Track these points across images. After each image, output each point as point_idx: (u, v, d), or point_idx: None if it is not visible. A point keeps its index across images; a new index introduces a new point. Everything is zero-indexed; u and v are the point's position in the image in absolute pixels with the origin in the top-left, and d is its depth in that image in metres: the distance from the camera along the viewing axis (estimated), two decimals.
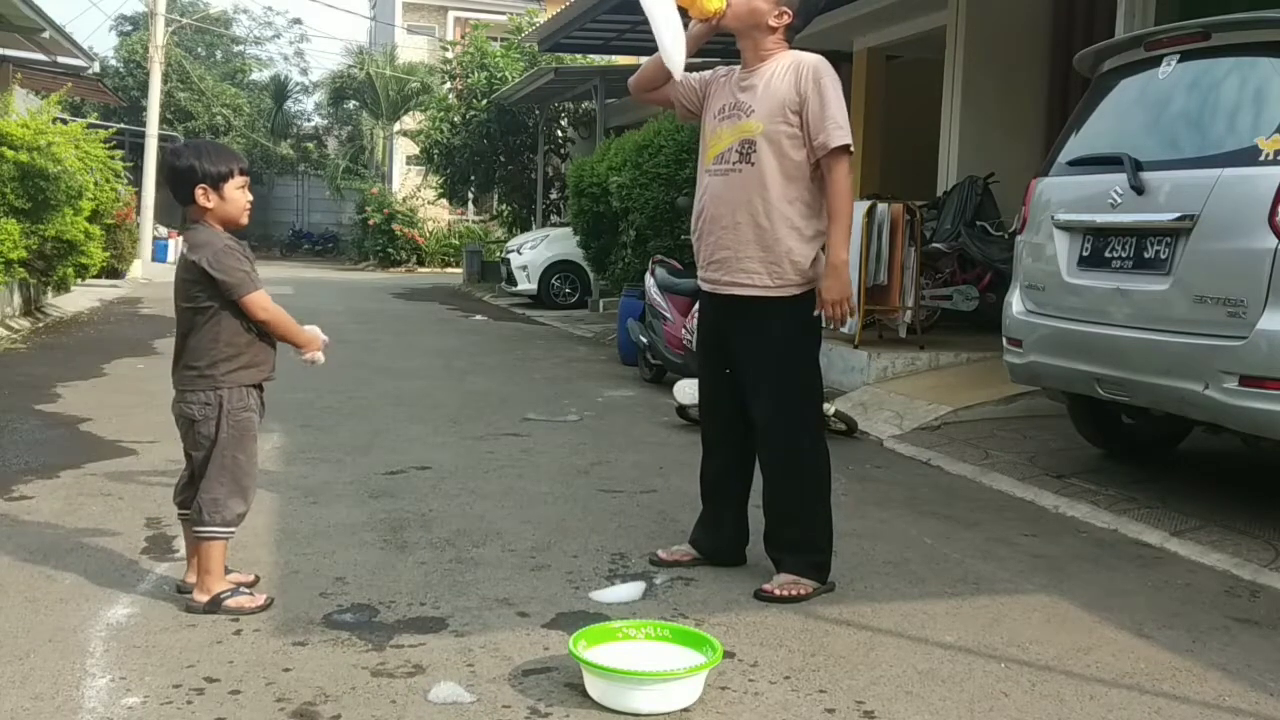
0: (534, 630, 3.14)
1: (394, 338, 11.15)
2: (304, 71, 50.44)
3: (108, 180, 11.87)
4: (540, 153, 20.55)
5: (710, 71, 3.72)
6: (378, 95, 29.57)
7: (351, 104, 32.42)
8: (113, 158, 12.18)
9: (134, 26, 32.45)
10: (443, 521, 4.25)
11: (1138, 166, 4.46)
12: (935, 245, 8.55)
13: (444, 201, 25.36)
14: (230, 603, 3.18)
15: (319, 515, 4.29)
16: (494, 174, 21.88)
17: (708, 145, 3.63)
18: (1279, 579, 3.78)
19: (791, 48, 3.58)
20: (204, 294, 3.19)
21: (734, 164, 3.50)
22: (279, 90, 34.88)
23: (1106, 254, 4.62)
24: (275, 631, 3.07)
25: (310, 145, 34.99)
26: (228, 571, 3.31)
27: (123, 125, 19.44)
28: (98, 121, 14.74)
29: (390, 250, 26.06)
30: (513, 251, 16.56)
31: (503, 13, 27.57)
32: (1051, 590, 3.65)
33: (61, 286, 11.81)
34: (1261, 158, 4.01)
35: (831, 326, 3.51)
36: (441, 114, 21.96)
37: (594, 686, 2.69)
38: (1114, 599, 3.58)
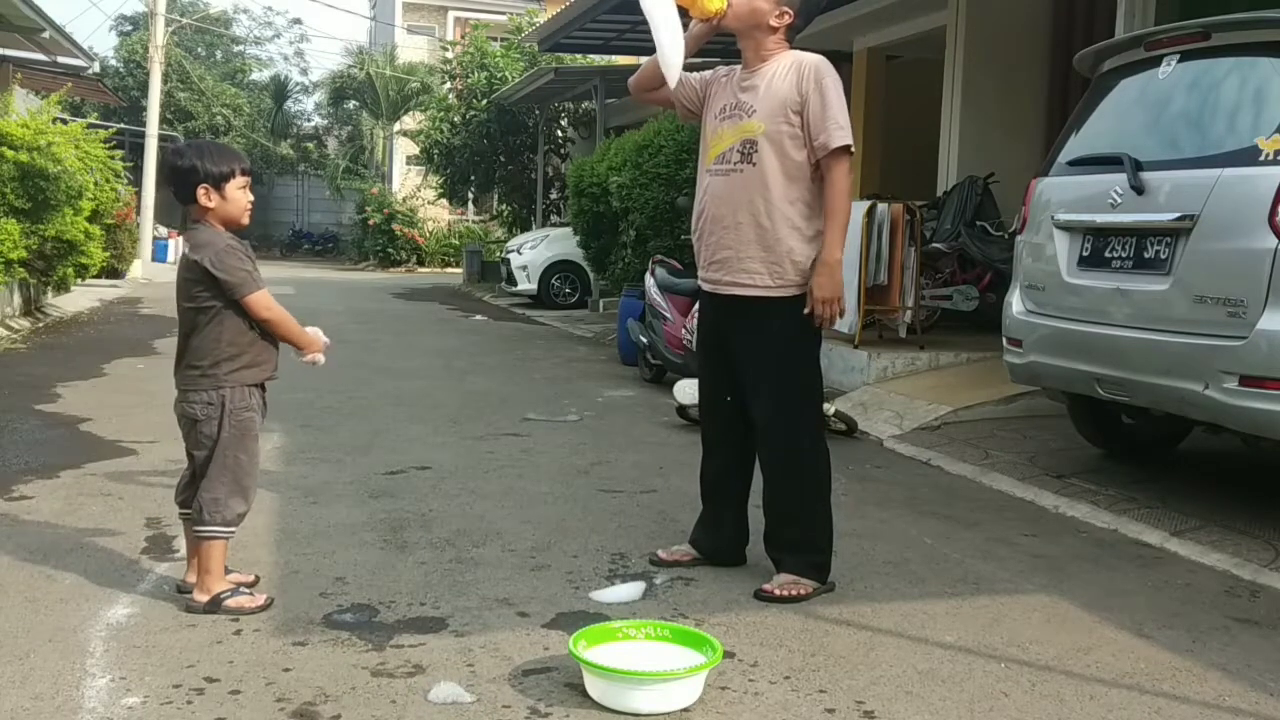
0: (534, 630, 3.14)
1: (394, 338, 11.15)
2: (304, 71, 50.52)
3: (108, 180, 11.87)
4: (540, 153, 20.55)
5: (711, 71, 3.72)
6: (378, 95, 29.58)
7: (351, 104, 32.43)
8: (113, 158, 12.19)
9: (134, 26, 32.46)
10: (443, 521, 4.25)
11: (1138, 166, 4.46)
12: (935, 245, 8.55)
13: (444, 201, 25.36)
14: (230, 603, 3.18)
15: (319, 515, 4.29)
16: (494, 174, 21.88)
17: (709, 145, 3.63)
18: (1279, 579, 3.78)
19: (792, 48, 3.58)
20: (206, 294, 3.19)
21: (735, 164, 3.50)
22: (279, 90, 34.89)
23: (1106, 254, 4.62)
24: (275, 631, 3.07)
25: (310, 145, 34.99)
26: (228, 571, 3.31)
27: (123, 125, 19.44)
28: (98, 121, 14.74)
29: (390, 250, 26.07)
30: (513, 251, 16.56)
31: (503, 13, 27.58)
32: (1051, 590, 3.65)
33: (61, 286, 11.81)
34: (1261, 158, 4.01)
35: (819, 325, 3.48)
36: (441, 114, 21.97)
37: (594, 686, 2.69)
38: (1114, 599, 3.58)
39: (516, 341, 11.42)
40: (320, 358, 3.41)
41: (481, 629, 3.13)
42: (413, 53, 31.05)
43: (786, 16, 3.51)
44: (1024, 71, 9.74)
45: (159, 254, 21.34)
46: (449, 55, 24.24)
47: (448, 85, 24.14)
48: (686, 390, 6.18)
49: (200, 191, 3.20)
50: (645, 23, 3.44)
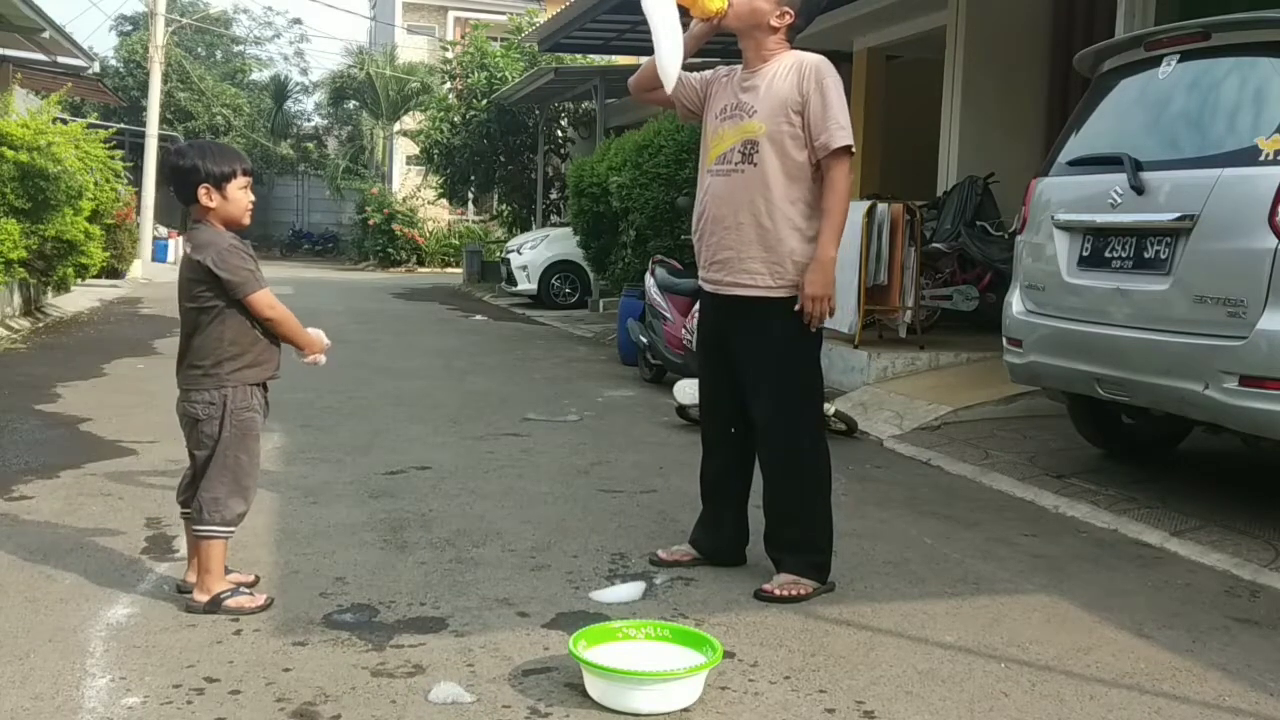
0: (534, 630, 3.14)
1: (394, 338, 11.15)
2: (304, 71, 50.54)
3: (108, 180, 11.87)
4: (540, 153, 20.55)
5: (711, 71, 3.72)
6: (378, 95, 29.58)
7: (351, 104, 32.43)
8: (113, 158, 12.18)
9: (134, 26, 32.46)
10: (443, 521, 4.25)
11: (1138, 166, 4.46)
12: (935, 245, 8.55)
13: (444, 201, 25.37)
14: (230, 603, 3.18)
15: (319, 515, 4.29)
16: (494, 174, 21.89)
17: (709, 145, 3.63)
18: (1279, 579, 3.78)
19: (792, 48, 3.58)
20: (209, 293, 3.19)
21: (736, 164, 3.50)
22: (279, 90, 34.89)
23: (1106, 254, 4.62)
24: (275, 631, 3.07)
25: (310, 145, 35.00)
26: (228, 571, 3.31)
27: (123, 125, 19.44)
28: (98, 121, 14.74)
29: (390, 250, 26.07)
30: (513, 251, 16.56)
31: (503, 13, 27.58)
32: (1051, 590, 3.65)
33: (61, 286, 11.81)
34: (1261, 158, 4.01)
35: (808, 322, 3.46)
36: (441, 114, 21.97)
37: (594, 686, 2.69)
38: (1114, 599, 3.58)
39: (516, 341, 11.42)
40: (322, 358, 3.42)
41: (481, 629, 3.13)
42: (413, 53, 31.05)
43: (787, 16, 3.51)
44: (1024, 71, 9.74)
45: (159, 254, 21.34)
46: (449, 55, 24.24)
47: (448, 85, 24.14)
48: (686, 390, 6.18)
49: (201, 191, 3.20)
50: (645, 22, 3.43)
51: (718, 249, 3.57)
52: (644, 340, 8.14)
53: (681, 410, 6.36)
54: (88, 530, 3.97)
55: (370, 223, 26.25)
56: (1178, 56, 4.56)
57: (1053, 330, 4.86)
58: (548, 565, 3.74)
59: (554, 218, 20.33)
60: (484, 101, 20.75)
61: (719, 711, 2.66)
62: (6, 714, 2.53)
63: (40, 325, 10.79)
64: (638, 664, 2.74)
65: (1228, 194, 4.09)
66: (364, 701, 2.65)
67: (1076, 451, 5.57)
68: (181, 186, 3.24)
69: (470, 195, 24.83)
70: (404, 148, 29.28)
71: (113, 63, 31.67)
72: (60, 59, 13.70)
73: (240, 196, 3.26)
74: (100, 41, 57.35)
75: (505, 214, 23.18)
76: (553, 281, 15.79)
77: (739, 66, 3.64)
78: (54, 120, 10.81)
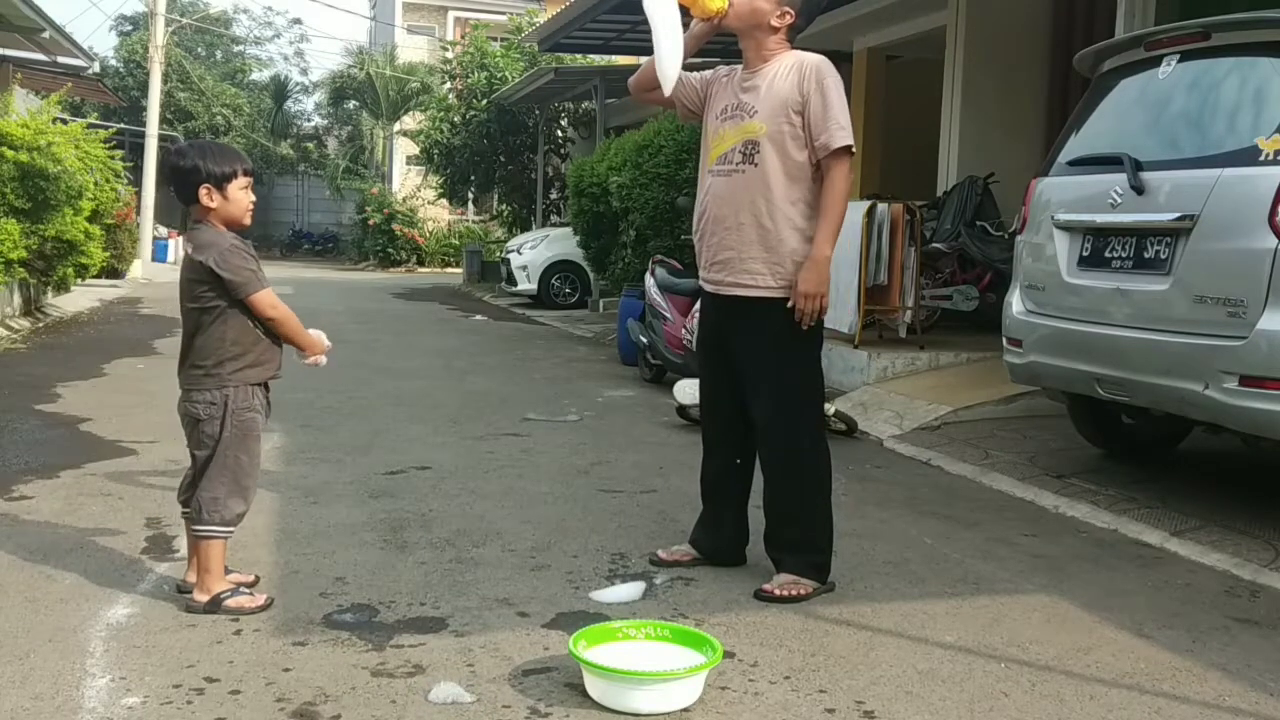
0: (534, 630, 3.14)
1: (394, 338, 11.15)
2: (304, 71, 50.57)
3: (108, 180, 11.87)
4: (540, 153, 20.56)
5: (711, 71, 3.72)
6: (378, 95, 29.58)
7: (351, 104, 32.43)
8: (113, 158, 12.19)
9: (134, 26, 32.46)
10: (443, 521, 4.25)
11: (1138, 166, 4.46)
12: (935, 245, 8.55)
13: (444, 201, 25.37)
14: (230, 603, 3.18)
15: (319, 515, 4.29)
16: (494, 174, 21.89)
17: (710, 146, 3.63)
18: (1279, 579, 3.78)
19: (793, 48, 3.58)
20: (211, 294, 3.20)
21: (737, 165, 3.50)
22: (279, 90, 34.89)
23: (1106, 254, 4.62)
24: (275, 631, 3.07)
25: (310, 145, 35.00)
26: (228, 571, 3.31)
27: (123, 125, 19.45)
28: (98, 121, 14.75)
29: (390, 250, 26.07)
30: (513, 251, 16.56)
31: (503, 13, 27.58)
32: (1051, 590, 3.65)
33: (61, 286, 11.81)
34: (1261, 158, 4.01)
35: (799, 319, 3.45)
36: (441, 114, 21.97)
37: (594, 686, 2.69)
38: (1114, 599, 3.58)
39: (516, 341, 11.42)
40: (323, 359, 3.43)
41: (481, 629, 3.13)
42: (413, 53, 31.05)
43: (788, 16, 3.51)
44: (1024, 71, 9.74)
45: (159, 254, 21.35)
46: (449, 55, 24.25)
47: (448, 85, 24.14)
48: (686, 390, 6.18)
49: (202, 192, 3.20)
50: (645, 22, 3.43)
51: (719, 249, 3.57)
52: (644, 340, 8.14)
53: (681, 410, 6.36)
54: (88, 530, 3.98)
55: (370, 223, 26.26)
56: (1178, 56, 4.56)
57: (1053, 330, 4.86)
58: (548, 565, 3.74)
59: (554, 218, 20.33)
60: (484, 101, 20.75)
61: (719, 711, 2.66)
62: (6, 714, 2.53)
63: (40, 325, 10.79)
64: (638, 664, 2.74)
65: (1228, 194, 4.09)
66: (364, 701, 2.65)
67: (1076, 451, 5.58)
68: (182, 187, 3.24)
69: (470, 195, 24.84)
70: (404, 148, 29.28)
71: (113, 63, 31.67)
72: (60, 59, 13.70)
73: (241, 197, 3.26)
74: (100, 41, 57.47)
75: (505, 214, 23.18)
76: (553, 281, 15.79)
77: (739, 66, 3.64)
78: (54, 120, 10.81)
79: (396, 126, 29.76)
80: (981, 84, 9.66)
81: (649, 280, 8.18)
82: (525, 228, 20.72)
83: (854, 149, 3.46)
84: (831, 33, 10.85)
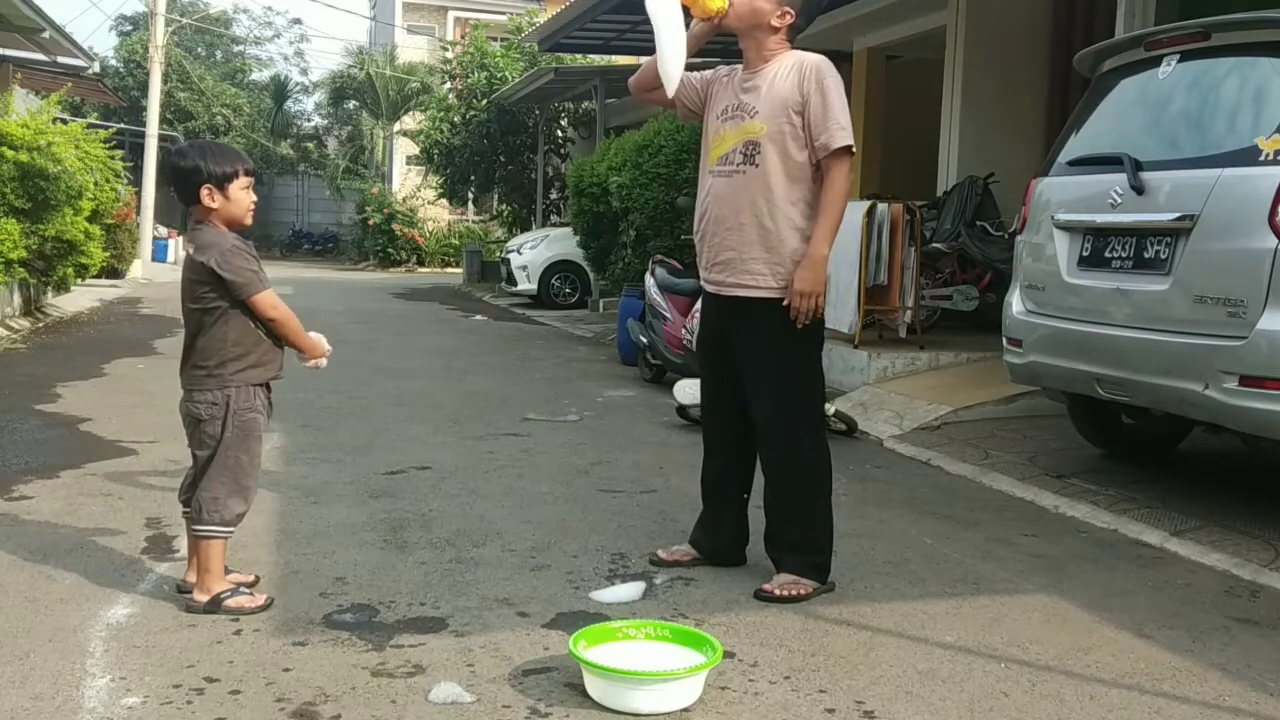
0: (534, 630, 3.14)
1: (394, 338, 11.15)
2: (304, 71, 50.57)
3: (108, 180, 11.87)
4: (540, 153, 20.56)
5: (712, 71, 3.72)
6: (378, 95, 29.59)
7: (351, 104, 32.43)
8: (113, 158, 12.19)
9: (134, 26, 32.46)
10: (443, 521, 4.25)
11: (1138, 166, 4.46)
12: (935, 245, 8.55)
13: (444, 201, 25.37)
14: (230, 603, 3.18)
15: (319, 515, 4.29)
16: (494, 174, 21.89)
17: (711, 146, 3.62)
18: (1279, 579, 3.78)
19: (793, 48, 3.58)
20: (212, 294, 3.20)
21: (738, 165, 3.50)
22: (279, 90, 34.88)
23: (1106, 254, 4.62)
24: (275, 631, 3.07)
25: (310, 145, 35.00)
26: (228, 571, 3.31)
27: (123, 125, 19.45)
28: (98, 121, 14.75)
29: (390, 250, 26.08)
30: (513, 251, 16.56)
31: (503, 13, 27.59)
32: (1051, 590, 3.65)
33: (61, 286, 11.81)
34: (1261, 158, 4.01)
35: (794, 318, 3.44)
36: (441, 114, 21.97)
37: (594, 686, 2.69)
38: (1114, 599, 3.58)
39: (516, 341, 11.42)
40: (323, 362, 3.42)
41: (481, 629, 3.13)
42: (413, 53, 31.05)
43: (788, 16, 3.51)
44: (1024, 71, 9.74)
45: (159, 254, 21.34)
46: (449, 55, 24.25)
47: (448, 85, 24.14)
48: (686, 390, 6.18)
49: (204, 192, 3.20)
50: (646, 23, 3.43)
51: (719, 250, 3.57)
52: (644, 340, 8.14)
53: (681, 410, 6.36)
54: (88, 530, 3.97)
55: (370, 223, 26.26)
56: (1178, 56, 4.56)
57: (1053, 330, 4.86)
58: (548, 565, 3.74)
59: (554, 218, 20.33)
60: (484, 101, 20.75)
61: (719, 711, 2.66)
62: (6, 714, 2.53)
63: (40, 325, 10.79)
64: (638, 664, 2.74)
65: (1228, 194, 4.09)
66: (364, 701, 2.65)
67: (1076, 451, 5.58)
68: (183, 187, 3.24)
69: (470, 195, 24.84)
70: (404, 148, 29.29)
71: (113, 63, 31.66)
72: (60, 59, 13.70)
73: (242, 197, 3.26)
74: (100, 41, 57.45)
75: (505, 214, 23.19)
76: (553, 281, 15.79)
77: (739, 66, 3.64)
78: (54, 120, 10.81)
79: (396, 126, 29.77)
80: (981, 84, 9.67)
81: (649, 280, 8.18)
82: (525, 228, 20.72)
83: (854, 149, 3.46)
84: (831, 33, 10.85)
